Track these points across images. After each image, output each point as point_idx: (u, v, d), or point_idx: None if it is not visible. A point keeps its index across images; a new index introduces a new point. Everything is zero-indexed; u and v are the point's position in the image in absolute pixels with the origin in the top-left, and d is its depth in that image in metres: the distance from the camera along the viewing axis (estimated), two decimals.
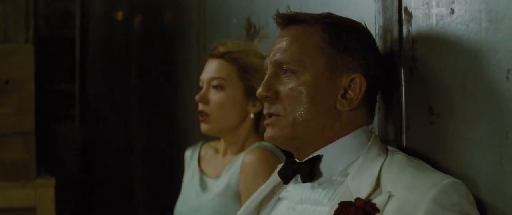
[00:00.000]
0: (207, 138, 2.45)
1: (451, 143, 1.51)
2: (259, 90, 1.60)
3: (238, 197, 2.15)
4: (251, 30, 2.58)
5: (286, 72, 1.58)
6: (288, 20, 1.63)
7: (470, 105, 1.45)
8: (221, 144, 2.32)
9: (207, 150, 2.37)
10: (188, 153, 2.42)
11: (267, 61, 1.63)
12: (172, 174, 3.47)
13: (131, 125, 4.51)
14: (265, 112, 1.61)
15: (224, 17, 2.90)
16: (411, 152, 1.57)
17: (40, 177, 3.46)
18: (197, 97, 2.23)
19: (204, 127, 2.24)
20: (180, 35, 3.55)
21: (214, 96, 2.21)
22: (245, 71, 2.20)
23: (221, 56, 2.22)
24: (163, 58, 3.85)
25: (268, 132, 1.60)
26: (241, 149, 2.24)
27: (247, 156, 2.14)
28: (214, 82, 2.21)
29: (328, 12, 1.64)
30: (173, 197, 2.55)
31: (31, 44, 3.44)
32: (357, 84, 1.56)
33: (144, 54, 4.32)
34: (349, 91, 1.57)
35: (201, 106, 2.22)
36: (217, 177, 2.25)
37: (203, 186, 2.27)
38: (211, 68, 2.23)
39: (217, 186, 2.22)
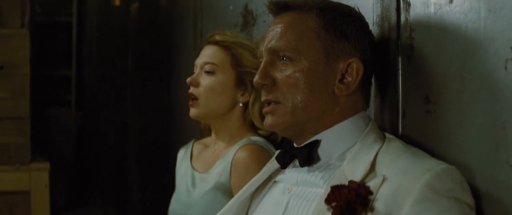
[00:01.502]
0: (202, 135, 2.45)
1: (448, 132, 1.50)
2: (256, 78, 1.59)
3: (229, 193, 2.14)
4: (248, 17, 2.57)
5: (282, 59, 1.58)
6: (282, 7, 1.62)
7: (467, 94, 1.44)
8: (211, 139, 2.32)
9: (198, 147, 2.38)
10: (180, 153, 2.41)
11: (262, 48, 1.63)
12: (166, 159, 3.47)
13: (126, 110, 4.51)
14: (263, 99, 1.61)
15: (221, 3, 2.89)
16: (407, 140, 1.57)
17: (34, 161, 3.47)
18: (188, 79, 2.23)
19: (192, 111, 2.24)
20: (177, 22, 3.54)
21: (205, 80, 2.21)
22: (238, 60, 2.20)
23: (217, 43, 2.22)
24: (159, 44, 3.84)
25: (268, 120, 1.60)
26: (230, 140, 2.23)
27: (238, 152, 2.14)
28: (207, 67, 2.22)
29: None
30: (167, 183, 2.55)
31: (27, 29, 3.44)
32: (354, 69, 1.56)
33: (140, 40, 4.31)
34: (346, 76, 1.57)
35: (191, 89, 2.23)
36: (207, 171, 2.24)
37: (194, 181, 2.27)
38: (205, 54, 2.24)
39: (207, 181, 2.21)
